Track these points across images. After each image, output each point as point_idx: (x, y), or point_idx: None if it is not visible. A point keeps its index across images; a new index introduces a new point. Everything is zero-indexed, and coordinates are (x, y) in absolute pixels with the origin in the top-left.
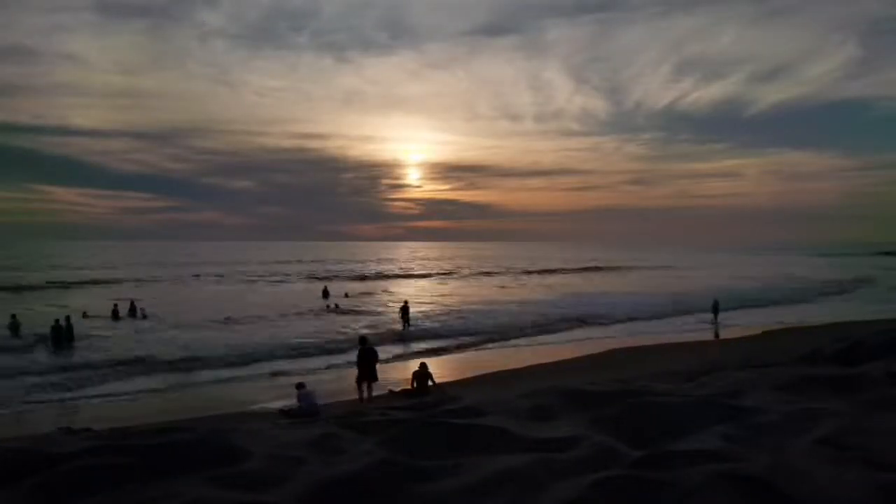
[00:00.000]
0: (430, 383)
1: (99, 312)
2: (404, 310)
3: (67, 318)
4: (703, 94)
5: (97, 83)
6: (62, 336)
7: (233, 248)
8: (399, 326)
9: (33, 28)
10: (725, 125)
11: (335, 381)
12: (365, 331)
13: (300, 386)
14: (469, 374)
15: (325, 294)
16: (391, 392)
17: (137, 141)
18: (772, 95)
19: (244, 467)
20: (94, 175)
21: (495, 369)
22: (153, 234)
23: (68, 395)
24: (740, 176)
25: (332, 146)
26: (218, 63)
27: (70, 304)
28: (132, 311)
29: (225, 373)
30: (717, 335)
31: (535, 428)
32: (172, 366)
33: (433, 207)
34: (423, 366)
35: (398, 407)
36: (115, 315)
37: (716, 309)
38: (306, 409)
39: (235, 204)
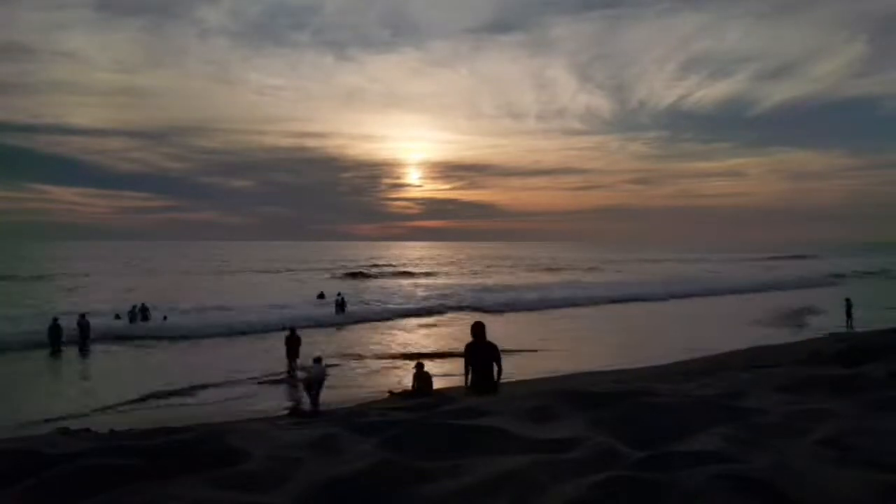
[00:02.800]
0: (431, 387)
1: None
2: None
3: (83, 316)
4: (708, 92)
5: (95, 81)
6: (60, 336)
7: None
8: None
9: (30, 25)
10: (730, 124)
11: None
12: None
13: (317, 360)
14: None
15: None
16: (391, 393)
17: (135, 140)
18: (778, 94)
19: (243, 468)
20: (92, 174)
21: None
22: (152, 235)
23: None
24: (745, 175)
25: (333, 145)
26: (217, 61)
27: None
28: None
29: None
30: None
31: (535, 429)
32: None
33: (434, 207)
34: (421, 366)
35: (398, 407)
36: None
37: (849, 309)
38: (315, 378)
39: (234, 203)
